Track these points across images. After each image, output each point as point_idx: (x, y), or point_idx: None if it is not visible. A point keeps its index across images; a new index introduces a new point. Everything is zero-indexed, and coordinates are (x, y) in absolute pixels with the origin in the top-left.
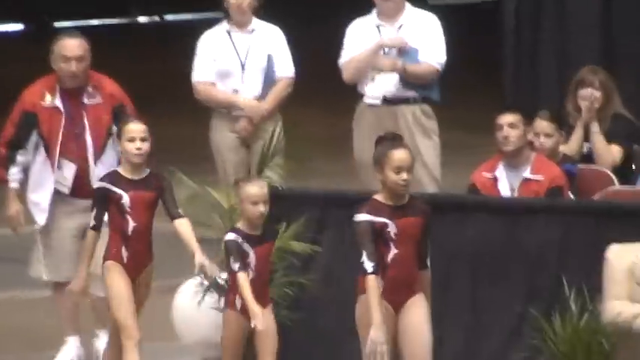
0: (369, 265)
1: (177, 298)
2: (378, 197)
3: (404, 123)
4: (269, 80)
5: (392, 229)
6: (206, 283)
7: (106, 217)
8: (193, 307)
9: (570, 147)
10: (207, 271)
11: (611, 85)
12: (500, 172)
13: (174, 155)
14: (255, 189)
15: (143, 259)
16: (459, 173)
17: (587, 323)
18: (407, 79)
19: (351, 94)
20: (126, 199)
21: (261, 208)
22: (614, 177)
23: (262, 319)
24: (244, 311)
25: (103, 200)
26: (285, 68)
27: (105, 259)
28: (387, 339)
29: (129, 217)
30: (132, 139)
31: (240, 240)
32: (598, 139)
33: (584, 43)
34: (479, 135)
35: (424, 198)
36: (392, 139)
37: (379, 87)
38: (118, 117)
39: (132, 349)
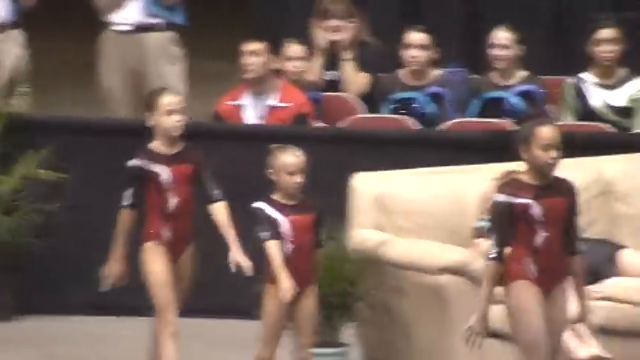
0: (492, 252)
1: None
2: (522, 176)
3: (150, 51)
4: None
5: (536, 210)
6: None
7: None
8: None
9: (314, 74)
10: (244, 270)
11: (355, 13)
12: (246, 99)
13: None
14: (292, 158)
15: (186, 236)
16: (205, 101)
17: (333, 251)
18: None
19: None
20: (166, 175)
21: (298, 179)
22: (360, 104)
23: (291, 291)
24: (298, 282)
25: (139, 178)
26: None
27: (143, 240)
28: (488, 329)
29: (170, 194)
30: (170, 112)
31: (268, 208)
32: (347, 67)
33: None
34: (226, 63)
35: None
36: (538, 117)
37: (126, 14)
38: None
39: (167, 339)
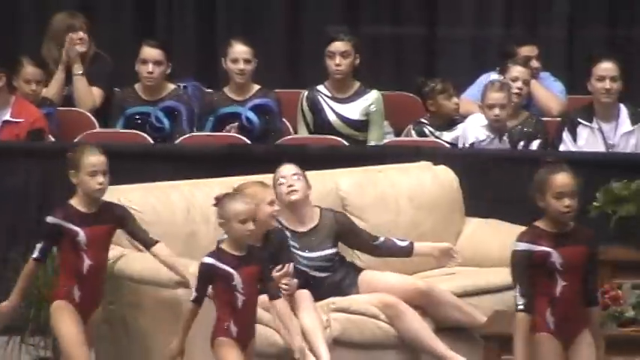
0: (520, 301)
1: None
2: (540, 224)
3: None
4: None
5: (556, 258)
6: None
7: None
8: None
9: (51, 90)
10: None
11: (88, 27)
12: None
13: None
14: (242, 206)
15: (96, 298)
16: None
17: None
18: None
19: None
20: (82, 235)
21: (251, 226)
22: (94, 119)
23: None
24: (239, 339)
25: (54, 235)
26: None
27: (53, 298)
28: None
29: (84, 255)
30: (94, 173)
31: (217, 263)
32: (79, 82)
33: None
34: None
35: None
36: (554, 163)
37: None
38: None
39: None
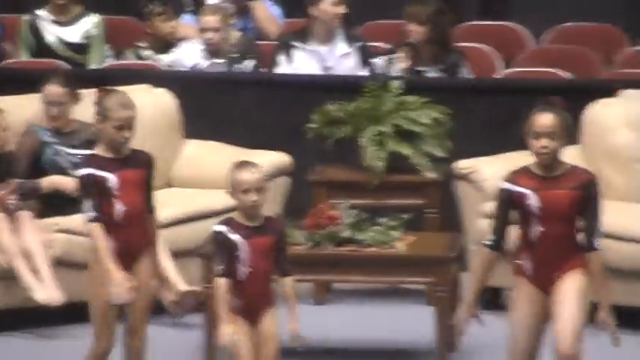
0: (488, 237)
1: None
2: (532, 166)
3: None
4: None
5: (534, 201)
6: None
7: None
8: None
9: None
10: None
11: None
12: None
13: None
14: (246, 175)
15: (138, 244)
16: None
17: None
18: None
19: None
20: (113, 181)
21: (254, 197)
22: None
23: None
24: (243, 312)
25: (93, 187)
26: None
27: None
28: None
29: (116, 201)
30: (120, 128)
31: (227, 230)
32: None
33: None
34: None
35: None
36: (547, 103)
37: None
38: None
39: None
